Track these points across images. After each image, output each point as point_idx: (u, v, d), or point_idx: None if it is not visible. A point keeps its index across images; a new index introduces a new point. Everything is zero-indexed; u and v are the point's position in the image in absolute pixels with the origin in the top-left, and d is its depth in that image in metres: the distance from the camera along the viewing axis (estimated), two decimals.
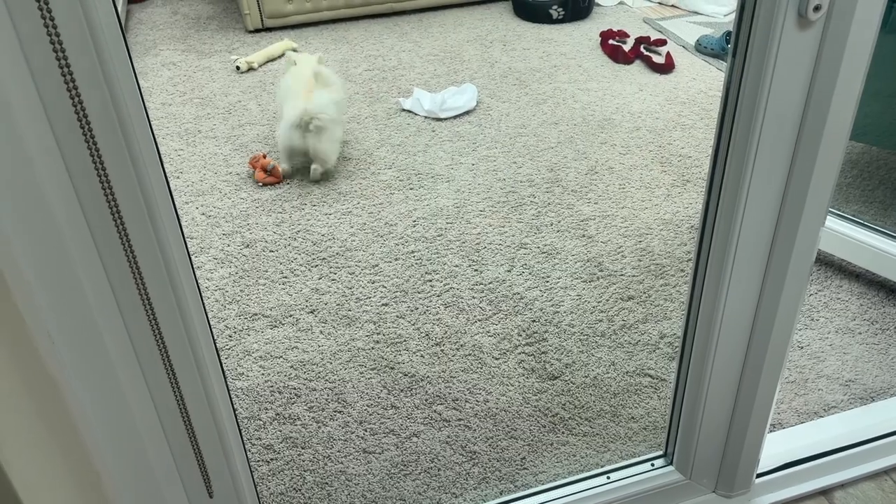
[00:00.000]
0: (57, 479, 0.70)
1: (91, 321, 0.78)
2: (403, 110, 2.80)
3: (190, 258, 0.86)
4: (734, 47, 0.94)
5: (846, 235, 1.85)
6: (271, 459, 1.48)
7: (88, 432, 0.81)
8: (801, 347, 1.71)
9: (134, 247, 0.78)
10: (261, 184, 2.36)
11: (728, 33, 3.21)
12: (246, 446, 1.16)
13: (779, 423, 1.52)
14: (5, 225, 0.69)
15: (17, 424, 0.63)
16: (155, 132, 0.78)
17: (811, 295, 1.85)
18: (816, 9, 0.86)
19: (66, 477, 0.73)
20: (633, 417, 1.56)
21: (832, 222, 1.88)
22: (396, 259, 2.03)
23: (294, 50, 3.32)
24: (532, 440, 1.51)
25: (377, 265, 2.01)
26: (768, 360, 1.16)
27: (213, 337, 0.92)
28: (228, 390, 0.98)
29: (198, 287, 0.88)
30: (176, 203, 0.87)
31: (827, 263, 1.94)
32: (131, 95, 0.72)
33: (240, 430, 1.03)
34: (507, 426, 1.54)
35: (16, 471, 0.60)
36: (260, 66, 3.19)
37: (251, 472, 1.09)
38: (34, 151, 0.68)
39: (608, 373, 1.66)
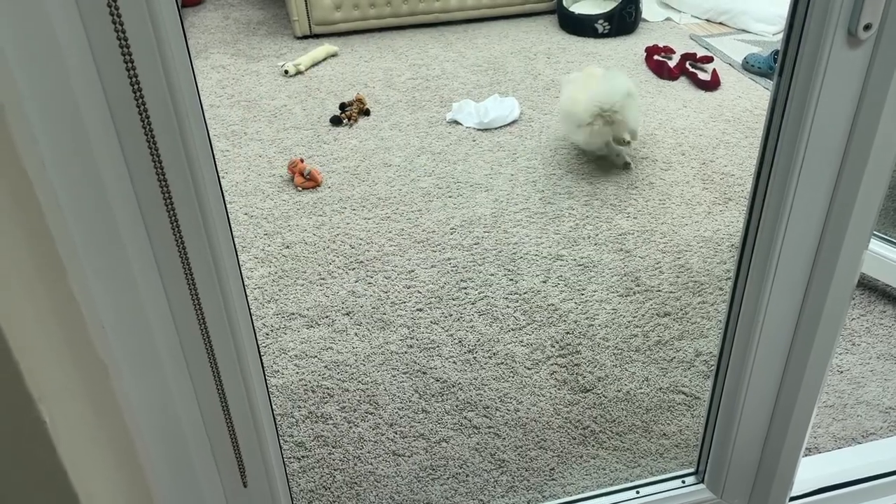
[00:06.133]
0: (101, 459, 0.73)
1: (142, 313, 0.82)
2: (449, 122, 2.82)
3: (237, 256, 0.88)
4: (781, 65, 0.94)
5: (892, 260, 1.82)
6: (302, 457, 1.51)
7: (133, 417, 0.84)
8: (841, 372, 1.68)
9: (186, 243, 0.81)
10: (300, 188, 2.41)
11: (776, 52, 3.17)
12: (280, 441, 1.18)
13: (815, 447, 1.50)
14: (70, 224, 0.72)
15: (70, 408, 0.66)
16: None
17: (853, 319, 1.82)
18: (867, 27, 0.85)
19: (110, 458, 0.76)
20: (664, 434, 1.54)
21: (878, 246, 1.84)
22: (433, 266, 2.05)
23: (334, 54, 3.38)
24: (562, 451, 1.51)
25: (413, 271, 2.03)
26: (806, 383, 1.14)
27: (255, 333, 0.95)
28: (267, 386, 1.00)
29: (243, 285, 0.90)
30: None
31: (871, 288, 1.90)
32: (189, 95, 0.75)
33: (276, 425, 1.06)
34: (537, 436, 1.54)
35: (67, 452, 0.63)
36: (307, 69, 3.25)
37: (284, 466, 1.11)
38: (100, 156, 0.71)
39: (641, 388, 1.65)
